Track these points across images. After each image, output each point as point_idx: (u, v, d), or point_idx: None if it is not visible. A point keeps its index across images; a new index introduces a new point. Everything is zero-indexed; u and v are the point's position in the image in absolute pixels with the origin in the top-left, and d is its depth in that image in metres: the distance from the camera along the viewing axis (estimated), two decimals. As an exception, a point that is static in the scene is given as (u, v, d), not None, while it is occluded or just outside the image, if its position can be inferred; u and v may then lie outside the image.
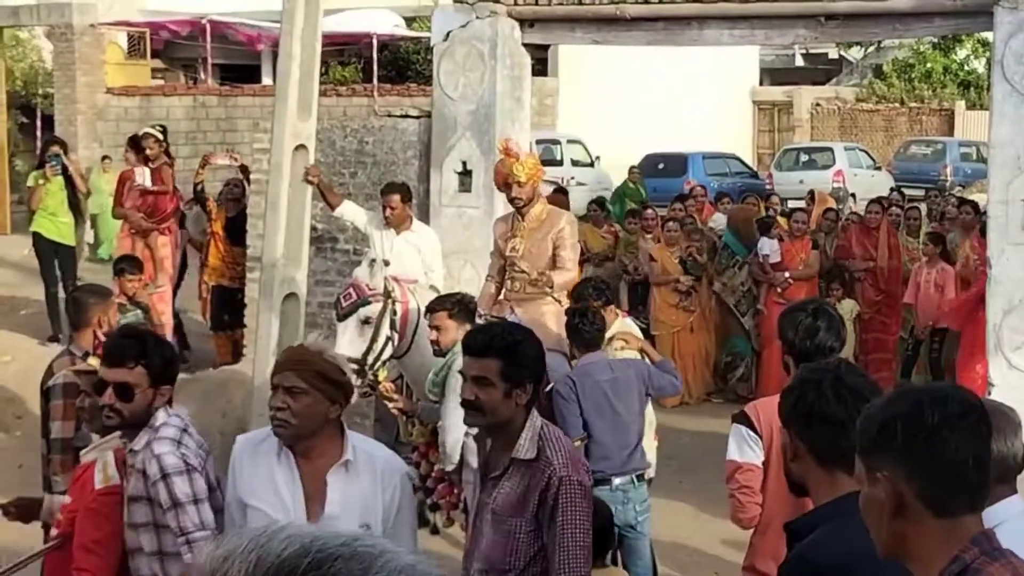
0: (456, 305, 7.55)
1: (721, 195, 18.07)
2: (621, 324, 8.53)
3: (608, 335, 7.94)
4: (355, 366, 8.19)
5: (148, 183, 13.44)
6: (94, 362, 6.45)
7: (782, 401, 3.81)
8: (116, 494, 4.98)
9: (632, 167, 22.36)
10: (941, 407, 2.77)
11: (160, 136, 14.25)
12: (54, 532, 5.47)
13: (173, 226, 13.91)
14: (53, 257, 14.69)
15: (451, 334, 7.36)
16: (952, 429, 2.75)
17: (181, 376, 10.22)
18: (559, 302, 8.53)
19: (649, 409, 8.11)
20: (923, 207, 15.78)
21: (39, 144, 22.22)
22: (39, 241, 14.82)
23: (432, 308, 7.60)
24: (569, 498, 4.38)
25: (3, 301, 16.28)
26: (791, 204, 17.21)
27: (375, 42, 24.77)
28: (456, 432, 7.22)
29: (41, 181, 14.60)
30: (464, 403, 4.75)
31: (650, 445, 8.15)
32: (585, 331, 7.65)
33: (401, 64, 26.57)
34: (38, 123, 24.09)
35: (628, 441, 7.61)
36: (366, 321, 8.11)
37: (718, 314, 14.15)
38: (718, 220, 15.64)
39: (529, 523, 4.44)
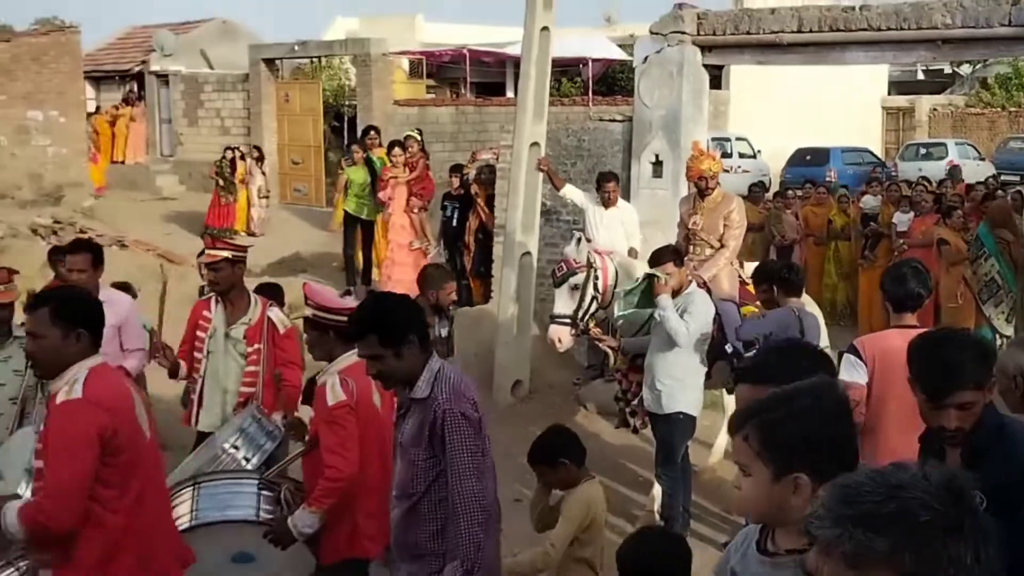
0: (675, 254, 7.37)
1: (872, 180, 17.40)
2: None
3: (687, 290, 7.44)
4: (568, 320, 8.31)
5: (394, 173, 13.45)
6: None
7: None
8: (346, 406, 4.78)
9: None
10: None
11: (418, 137, 14.41)
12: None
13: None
14: (355, 228, 14.86)
15: (678, 276, 7.20)
16: None
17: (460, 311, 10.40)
18: (730, 262, 8.45)
19: None
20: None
21: (346, 142, 22.84)
22: (346, 215, 15.02)
23: (659, 260, 7.26)
24: (453, 427, 3.94)
25: (319, 257, 16.77)
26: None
27: (591, 64, 24.73)
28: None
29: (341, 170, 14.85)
30: (374, 377, 4.29)
31: None
32: (791, 278, 7.30)
33: (610, 81, 26.43)
34: (345, 126, 24.69)
35: None
36: (575, 287, 8.14)
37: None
38: (867, 202, 15.18)
39: (426, 452, 4.00)
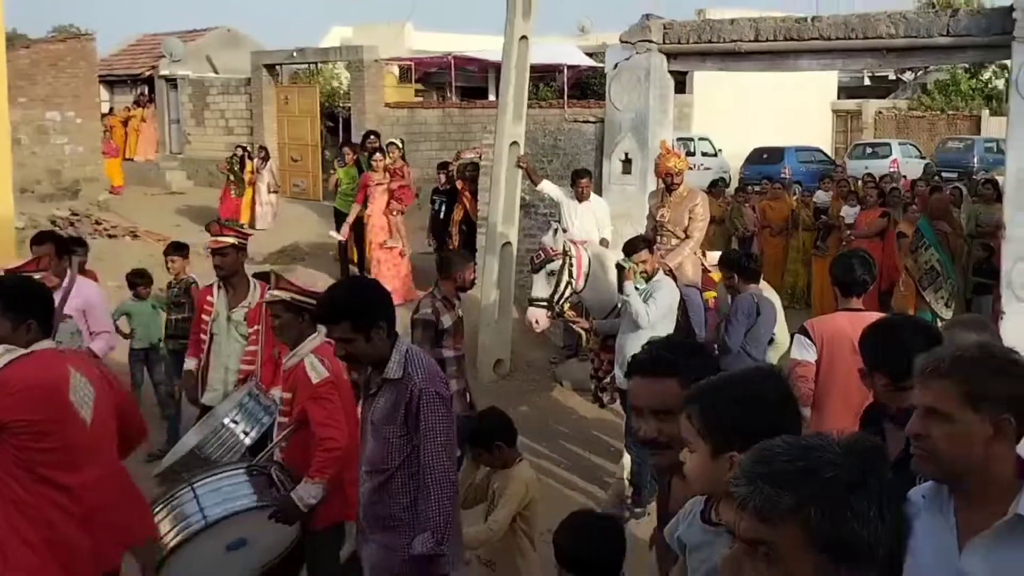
0: (647, 243, 7.47)
1: (824, 177, 17.43)
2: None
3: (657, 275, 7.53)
4: (545, 303, 8.34)
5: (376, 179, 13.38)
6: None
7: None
8: (330, 382, 4.68)
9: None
10: None
11: (400, 145, 14.46)
12: (283, 421, 5.03)
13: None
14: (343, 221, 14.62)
15: (651, 262, 7.30)
16: None
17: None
18: (695, 253, 8.50)
19: None
20: (963, 186, 14.96)
21: (340, 141, 22.75)
22: (335, 211, 14.96)
23: (634, 248, 7.33)
24: (429, 407, 3.83)
25: (316, 247, 16.73)
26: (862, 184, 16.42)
27: (566, 70, 24.72)
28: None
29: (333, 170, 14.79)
30: (342, 359, 4.20)
31: None
32: (751, 267, 7.30)
33: (583, 86, 26.39)
34: (340, 127, 24.63)
35: None
36: (551, 273, 8.17)
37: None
38: (819, 197, 15.24)
39: (400, 429, 3.87)
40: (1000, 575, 2.33)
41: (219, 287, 6.28)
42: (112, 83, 27.38)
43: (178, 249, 8.88)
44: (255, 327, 6.07)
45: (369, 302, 4.02)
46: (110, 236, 16.32)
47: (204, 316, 6.34)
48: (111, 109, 25.98)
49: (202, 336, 6.34)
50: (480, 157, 14.32)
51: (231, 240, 6.17)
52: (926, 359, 2.50)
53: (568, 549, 3.66)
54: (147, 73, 26.40)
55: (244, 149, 19.38)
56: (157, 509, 4.50)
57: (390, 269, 12.89)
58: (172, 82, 25.27)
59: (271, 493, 4.65)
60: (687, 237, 8.45)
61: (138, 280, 9.00)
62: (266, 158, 19.33)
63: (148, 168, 23.76)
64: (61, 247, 6.53)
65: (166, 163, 24.17)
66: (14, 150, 14.33)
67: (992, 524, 2.34)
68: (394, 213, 13.34)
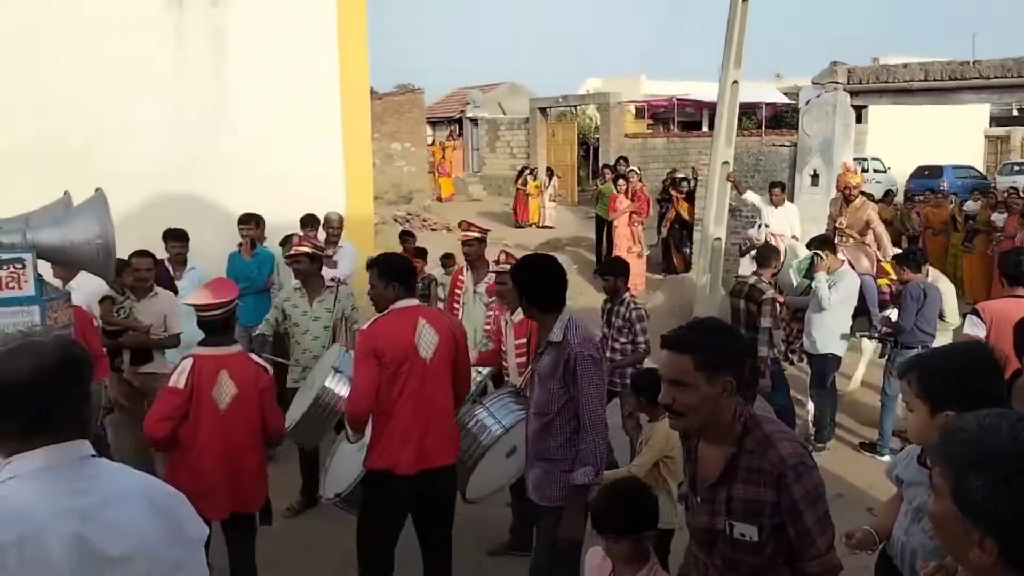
0: (831, 244, 7.02)
1: (975, 189, 15.83)
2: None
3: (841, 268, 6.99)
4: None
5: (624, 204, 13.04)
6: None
7: None
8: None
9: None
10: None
11: (638, 172, 14.08)
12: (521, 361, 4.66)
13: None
14: (603, 225, 14.32)
15: (831, 259, 6.87)
16: None
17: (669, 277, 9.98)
18: (869, 246, 7.96)
19: None
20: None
21: (591, 163, 22.75)
22: (597, 217, 14.72)
23: (821, 244, 6.94)
24: (582, 366, 3.46)
25: (574, 240, 16.75)
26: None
27: (764, 107, 23.63)
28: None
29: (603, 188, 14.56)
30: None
31: None
32: (913, 261, 6.60)
33: (778, 119, 25.14)
34: (590, 152, 24.61)
35: None
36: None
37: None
38: (969, 206, 13.86)
39: (559, 383, 3.52)
40: None
41: (467, 268, 6.15)
42: (434, 123, 28.55)
43: (421, 255, 9.18)
44: (493, 297, 5.84)
45: (536, 280, 3.64)
46: (432, 230, 17.06)
47: (456, 291, 6.15)
48: (433, 141, 27.10)
49: (455, 305, 6.15)
50: (694, 174, 14.02)
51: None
52: None
53: (603, 513, 2.99)
54: (457, 115, 27.38)
55: (529, 169, 19.62)
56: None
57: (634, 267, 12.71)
58: (474, 122, 26.09)
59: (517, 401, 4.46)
60: (862, 238, 7.96)
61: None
62: (551, 176, 19.57)
63: (456, 183, 24.67)
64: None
65: (469, 179, 24.99)
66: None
67: None
68: (635, 225, 13.22)
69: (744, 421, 2.34)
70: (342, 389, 4.68)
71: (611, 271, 6.00)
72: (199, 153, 7.96)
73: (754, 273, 6.73)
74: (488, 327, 5.81)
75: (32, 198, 4.08)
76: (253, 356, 4.19)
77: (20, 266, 3.37)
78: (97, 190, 3.76)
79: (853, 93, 10.78)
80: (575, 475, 3.49)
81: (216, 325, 4.03)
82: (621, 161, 15.25)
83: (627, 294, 5.84)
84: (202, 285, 4.43)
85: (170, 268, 6.53)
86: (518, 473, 4.38)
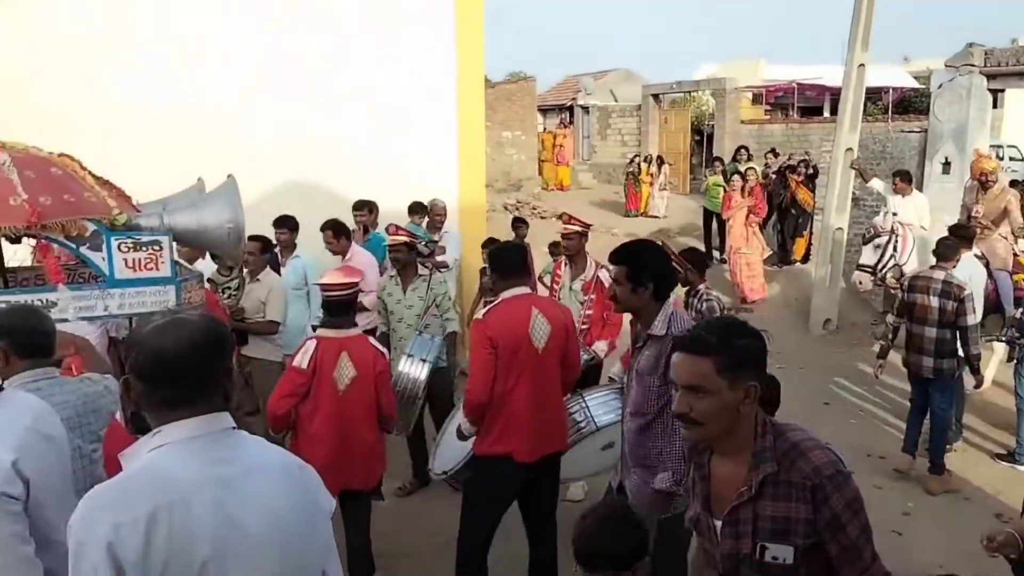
0: (968, 228, 6.79)
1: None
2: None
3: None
4: (870, 269, 7.71)
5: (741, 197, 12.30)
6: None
7: None
8: None
9: None
10: None
11: (757, 170, 13.04)
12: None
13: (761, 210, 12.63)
14: (711, 216, 13.99)
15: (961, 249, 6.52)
16: None
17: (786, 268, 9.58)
18: (1005, 239, 7.47)
19: None
20: None
21: (704, 150, 22.27)
22: (705, 210, 14.33)
23: (959, 235, 6.56)
24: None
25: (684, 228, 16.43)
26: None
27: (891, 91, 22.50)
28: None
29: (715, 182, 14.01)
30: (609, 298, 3.52)
31: None
32: None
33: (905, 104, 23.87)
34: (704, 139, 24.06)
35: None
36: (877, 246, 7.52)
37: None
38: None
39: (660, 380, 3.26)
40: None
41: (566, 263, 6.09)
42: (545, 110, 28.58)
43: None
44: (590, 295, 5.85)
45: (646, 261, 3.41)
46: (541, 217, 17.10)
47: (555, 285, 6.10)
48: (544, 129, 27.13)
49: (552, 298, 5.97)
50: (809, 158, 13.46)
51: (577, 228, 5.86)
52: None
53: (585, 547, 2.39)
54: (568, 103, 27.30)
55: (643, 157, 19.31)
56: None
57: (743, 270, 12.03)
58: (585, 109, 25.94)
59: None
60: (997, 228, 7.50)
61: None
62: (661, 164, 19.27)
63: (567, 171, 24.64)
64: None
65: (579, 167, 24.90)
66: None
67: None
68: (751, 224, 12.82)
69: (767, 430, 2.11)
70: (417, 372, 4.91)
71: (687, 262, 5.78)
72: (318, 139, 8.19)
73: (935, 267, 6.14)
74: (584, 326, 5.73)
75: (165, 182, 4.32)
76: (371, 340, 4.31)
77: (158, 248, 3.53)
78: (229, 176, 3.96)
79: (989, 76, 10.16)
80: (656, 479, 3.33)
81: (340, 306, 4.14)
82: (742, 150, 14.67)
83: (701, 286, 5.71)
84: (333, 269, 4.58)
85: (279, 254, 6.76)
86: (610, 465, 4.37)
